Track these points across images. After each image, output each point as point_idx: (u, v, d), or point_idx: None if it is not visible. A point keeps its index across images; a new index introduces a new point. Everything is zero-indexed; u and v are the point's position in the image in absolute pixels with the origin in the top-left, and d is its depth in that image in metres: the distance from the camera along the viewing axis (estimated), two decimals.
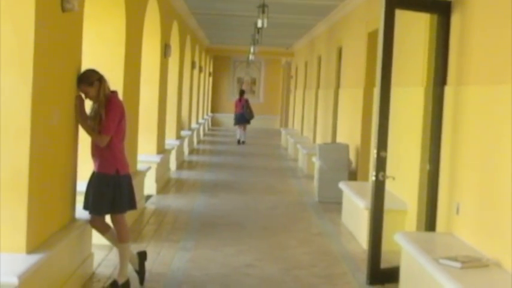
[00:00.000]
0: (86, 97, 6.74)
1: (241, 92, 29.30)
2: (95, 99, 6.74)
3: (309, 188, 14.84)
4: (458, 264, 5.79)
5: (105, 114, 6.67)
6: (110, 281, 6.86)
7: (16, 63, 5.32)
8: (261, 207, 12.34)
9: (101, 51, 8.96)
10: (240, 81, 39.51)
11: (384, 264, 7.51)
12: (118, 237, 6.88)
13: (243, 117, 27.57)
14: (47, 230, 5.93)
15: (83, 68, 7.06)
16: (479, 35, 6.87)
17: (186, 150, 20.78)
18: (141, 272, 7.11)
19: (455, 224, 7.12)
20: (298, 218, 11.44)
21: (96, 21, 8.87)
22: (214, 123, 38.41)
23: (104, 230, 6.96)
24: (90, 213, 6.83)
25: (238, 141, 27.18)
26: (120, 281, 6.73)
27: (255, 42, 23.19)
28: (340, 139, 15.38)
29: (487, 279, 5.62)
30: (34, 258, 5.33)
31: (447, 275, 5.58)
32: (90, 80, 6.69)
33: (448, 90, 7.56)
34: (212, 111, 38.97)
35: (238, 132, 27.69)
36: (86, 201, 6.83)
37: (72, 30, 6.61)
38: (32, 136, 5.40)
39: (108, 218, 6.96)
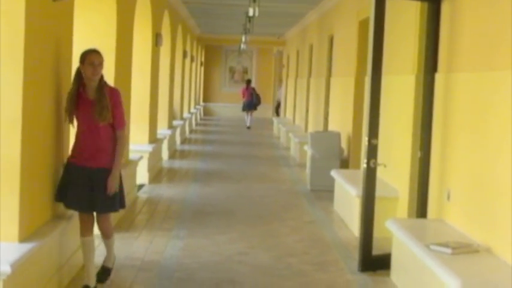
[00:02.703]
0: (93, 74, 6.20)
1: (248, 81, 31.74)
2: (97, 83, 6.24)
3: (301, 176, 14.87)
4: (448, 250, 5.83)
5: (115, 105, 6.29)
6: (99, 269, 6.69)
7: (6, 52, 5.31)
8: (253, 196, 12.37)
9: (91, 40, 8.91)
10: (232, 70, 39.45)
11: (376, 251, 7.54)
12: (109, 234, 6.60)
13: (251, 104, 29.86)
14: (39, 219, 5.94)
15: (75, 59, 7.05)
16: (469, 22, 6.89)
17: (178, 139, 20.78)
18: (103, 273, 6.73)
19: (446, 210, 7.16)
20: (291, 206, 11.47)
21: (86, 11, 8.85)
22: (207, 112, 38.36)
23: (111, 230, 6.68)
24: (104, 211, 6.42)
25: (248, 127, 29.33)
26: (111, 265, 6.75)
27: (246, 32, 23.19)
28: (332, 127, 15.41)
29: (478, 264, 5.65)
30: (27, 247, 5.34)
31: (438, 261, 5.61)
32: (102, 57, 6.38)
33: (439, 78, 7.59)
34: (204, 101, 38.92)
35: (245, 118, 29.93)
36: (89, 201, 6.27)
37: (63, 19, 6.60)
38: (24, 126, 5.39)
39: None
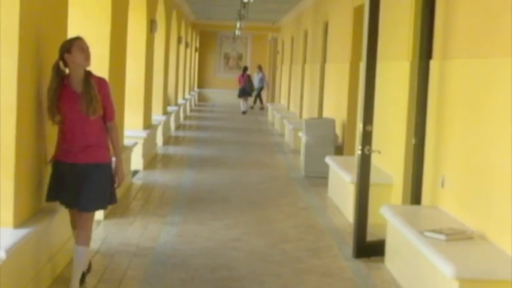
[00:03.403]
0: (86, 59, 5.86)
1: (245, 68, 32.83)
2: (83, 74, 5.86)
3: (295, 163, 14.88)
4: (443, 237, 5.85)
5: (105, 96, 5.92)
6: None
7: (1, 37, 5.30)
8: (248, 182, 12.38)
9: (86, 26, 8.90)
10: (226, 56, 39.42)
11: (370, 237, 7.56)
12: (87, 239, 5.97)
13: (246, 90, 31.20)
14: (34, 205, 5.94)
15: None
16: (464, 9, 6.88)
17: (172, 125, 20.76)
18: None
19: (441, 197, 7.18)
20: (285, 193, 11.49)
21: None
22: (201, 98, 38.33)
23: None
24: (91, 209, 5.97)
25: (243, 112, 30.53)
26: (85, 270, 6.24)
27: (241, 18, 23.14)
28: (326, 114, 15.41)
29: (472, 251, 5.68)
30: (21, 232, 5.34)
31: (432, 248, 5.63)
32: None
33: (434, 64, 7.59)
34: (199, 87, 38.88)
35: (241, 103, 31.06)
36: (75, 197, 5.87)
37: (57, 6, 6.58)
38: (19, 111, 5.39)
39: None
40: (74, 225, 6.09)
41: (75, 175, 5.85)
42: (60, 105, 5.82)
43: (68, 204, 6.00)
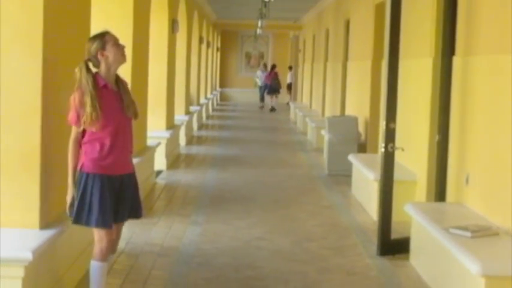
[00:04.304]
0: (123, 55, 5.35)
1: (273, 66, 32.79)
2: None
3: (318, 161, 14.86)
4: (468, 233, 5.81)
5: (130, 95, 5.44)
6: None
7: (25, 40, 5.35)
8: (270, 181, 12.38)
9: (108, 27, 8.93)
10: (248, 55, 39.45)
11: (394, 235, 7.54)
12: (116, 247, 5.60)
13: (273, 88, 31.54)
14: (59, 207, 5.97)
15: None
16: (487, 4, 6.84)
17: (195, 125, 20.81)
18: None
19: (465, 193, 7.14)
20: (308, 191, 11.48)
21: None
22: (223, 98, 38.39)
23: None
24: (133, 216, 5.51)
25: (271, 109, 30.94)
26: None
27: (262, 16, 23.15)
28: (349, 112, 15.37)
29: (497, 247, 5.64)
30: (47, 233, 5.38)
31: (457, 244, 5.60)
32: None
33: (457, 61, 7.55)
34: (221, 86, 38.94)
35: (270, 101, 31.60)
36: (115, 213, 5.31)
37: (80, 8, 6.62)
38: (43, 113, 5.44)
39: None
40: (106, 254, 5.33)
41: (113, 190, 5.26)
42: (102, 108, 5.14)
43: (122, 218, 5.40)
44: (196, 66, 21.37)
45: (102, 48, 5.25)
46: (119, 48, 5.32)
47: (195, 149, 16.87)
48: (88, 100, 5.10)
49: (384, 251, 7.49)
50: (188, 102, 18.45)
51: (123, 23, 9.17)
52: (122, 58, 5.33)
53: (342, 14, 17.50)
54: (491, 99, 6.58)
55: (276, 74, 31.78)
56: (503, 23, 6.38)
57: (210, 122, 25.09)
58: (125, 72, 8.68)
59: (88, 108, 5.09)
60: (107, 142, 5.20)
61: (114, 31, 8.66)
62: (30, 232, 5.34)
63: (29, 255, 4.88)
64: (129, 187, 5.39)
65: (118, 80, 5.40)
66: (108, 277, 6.45)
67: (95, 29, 7.45)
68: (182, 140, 16.87)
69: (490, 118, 6.59)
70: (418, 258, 7.06)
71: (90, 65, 5.27)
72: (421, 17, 8.83)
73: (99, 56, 5.24)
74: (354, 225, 8.98)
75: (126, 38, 9.00)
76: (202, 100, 24.73)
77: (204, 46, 24.57)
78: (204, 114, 24.52)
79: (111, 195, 5.22)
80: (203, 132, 21.14)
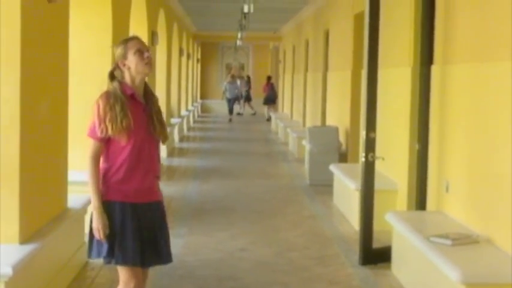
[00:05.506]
0: (147, 64, 4.63)
1: (269, 78, 33.42)
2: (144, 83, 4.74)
3: (300, 172, 14.87)
4: (448, 242, 5.84)
5: (160, 111, 4.79)
6: None
7: (3, 53, 5.33)
8: (252, 192, 12.37)
9: (87, 40, 8.95)
10: (228, 67, 39.48)
11: (376, 244, 7.56)
12: None
13: (270, 98, 32.24)
14: (39, 220, 5.95)
15: (71, 58, 7.06)
16: (464, 13, 6.89)
17: (176, 137, 20.77)
18: None
19: (445, 202, 7.17)
20: (290, 201, 11.49)
21: (82, 10, 8.84)
22: (204, 109, 38.36)
23: None
24: (168, 260, 4.91)
25: (268, 119, 30.86)
26: None
27: (242, 28, 23.17)
28: (329, 122, 15.42)
29: (478, 255, 5.67)
30: (27, 248, 5.35)
31: (438, 253, 5.63)
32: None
33: (435, 69, 7.59)
34: (202, 98, 38.92)
35: (265, 111, 32.13)
36: (154, 251, 4.70)
37: (59, 20, 6.61)
38: (22, 126, 5.41)
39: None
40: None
41: (144, 220, 4.64)
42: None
43: (144, 263, 4.70)
44: (176, 78, 21.36)
45: (124, 57, 4.62)
46: (142, 57, 4.60)
47: (176, 161, 16.84)
48: (117, 106, 4.46)
49: (366, 260, 7.50)
50: (169, 114, 18.43)
51: (103, 34, 9.16)
52: (145, 68, 4.62)
53: (321, 24, 17.56)
54: (470, 107, 6.62)
55: (272, 85, 32.42)
56: (480, 32, 6.43)
57: (191, 133, 25.06)
58: (106, 84, 8.69)
59: (118, 114, 4.44)
60: (129, 162, 4.54)
61: (94, 43, 8.66)
62: (10, 247, 5.30)
63: (9, 271, 4.85)
64: (158, 219, 4.74)
65: (147, 93, 4.73)
66: None
67: (75, 41, 7.48)
68: (163, 151, 16.83)
69: (469, 126, 6.63)
70: (399, 267, 7.07)
71: (117, 73, 4.66)
72: (399, 26, 8.88)
73: (120, 66, 4.63)
74: (335, 235, 8.99)
75: (105, 50, 9.03)
76: (183, 112, 24.71)
77: (184, 58, 24.58)
78: (185, 126, 24.49)
79: (135, 226, 4.57)
80: (184, 144, 21.10)
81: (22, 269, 5.10)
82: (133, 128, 4.49)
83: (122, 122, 4.45)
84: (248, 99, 35.35)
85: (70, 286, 6.52)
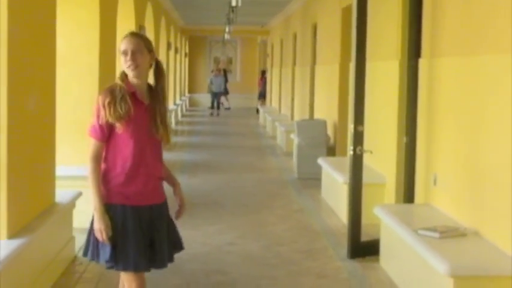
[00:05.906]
0: (128, 66, 4.42)
1: (263, 72, 33.70)
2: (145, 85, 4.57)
3: (288, 165, 14.89)
4: (436, 235, 5.86)
5: (165, 111, 4.67)
6: None
7: None
8: (241, 186, 12.38)
9: (75, 34, 8.92)
10: (216, 60, 39.42)
11: (364, 237, 7.57)
12: None
13: (264, 93, 32.04)
14: (27, 215, 5.94)
15: (59, 53, 7.03)
16: (452, 6, 6.90)
17: None
18: None
19: (433, 195, 7.20)
20: (278, 195, 11.50)
21: (69, 5, 8.81)
22: (192, 103, 38.31)
23: None
24: (167, 262, 4.88)
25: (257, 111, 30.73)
26: None
27: (230, 22, 23.14)
28: (317, 115, 15.43)
29: (465, 247, 5.69)
30: (15, 243, 5.34)
31: (426, 245, 5.65)
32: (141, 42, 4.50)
33: (423, 63, 7.61)
34: (189, 92, 38.88)
35: (259, 105, 31.55)
36: (151, 254, 4.62)
37: (46, 14, 6.58)
38: (9, 121, 5.38)
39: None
40: None
41: (145, 224, 4.57)
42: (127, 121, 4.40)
43: (145, 268, 4.61)
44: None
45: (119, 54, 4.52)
46: (125, 58, 4.42)
47: (164, 155, 16.71)
48: (118, 96, 4.34)
49: (354, 253, 7.52)
50: None
51: (90, 29, 9.12)
52: (128, 71, 4.45)
53: (309, 18, 17.56)
54: (458, 101, 6.64)
55: (266, 80, 32.10)
56: (467, 25, 6.44)
57: (179, 127, 25.02)
58: (92, 80, 8.69)
59: (118, 102, 4.33)
60: (128, 163, 4.45)
61: (82, 38, 8.60)
62: None
63: None
64: (159, 221, 4.73)
65: (152, 92, 4.57)
66: (78, 285, 6.44)
67: (63, 36, 7.45)
68: None
69: (457, 119, 6.65)
70: (388, 260, 7.09)
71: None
72: (387, 20, 8.89)
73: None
74: (324, 229, 9.00)
75: (92, 45, 9.01)
76: (171, 106, 24.68)
77: (172, 52, 24.54)
78: (173, 120, 24.46)
79: (137, 229, 4.48)
80: (172, 138, 21.03)
81: (10, 264, 5.08)
82: (133, 131, 4.40)
83: (120, 106, 4.32)
84: (225, 92, 33.93)
85: (58, 281, 6.51)
